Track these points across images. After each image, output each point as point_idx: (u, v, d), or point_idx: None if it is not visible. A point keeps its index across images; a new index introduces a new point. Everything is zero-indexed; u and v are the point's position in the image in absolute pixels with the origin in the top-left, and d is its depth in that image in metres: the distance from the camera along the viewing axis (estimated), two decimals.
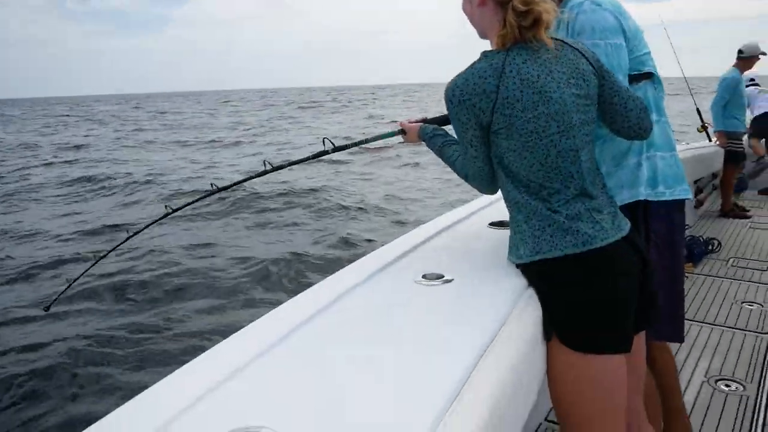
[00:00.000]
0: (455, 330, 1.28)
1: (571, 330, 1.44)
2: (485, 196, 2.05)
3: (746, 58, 5.60)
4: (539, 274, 1.47)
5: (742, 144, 5.81)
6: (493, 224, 2.02)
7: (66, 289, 2.51)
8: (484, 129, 1.44)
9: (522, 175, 1.45)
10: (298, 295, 1.49)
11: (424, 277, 1.53)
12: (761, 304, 3.67)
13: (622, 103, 1.58)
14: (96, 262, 2.56)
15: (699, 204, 5.96)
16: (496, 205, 2.19)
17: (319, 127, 30.46)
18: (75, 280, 2.49)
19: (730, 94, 5.56)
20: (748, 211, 5.93)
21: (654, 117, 1.92)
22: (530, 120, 1.39)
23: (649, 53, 1.94)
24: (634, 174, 1.92)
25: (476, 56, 1.47)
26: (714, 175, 6.24)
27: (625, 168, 1.93)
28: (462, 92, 1.41)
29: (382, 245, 1.85)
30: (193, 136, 28.30)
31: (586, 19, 1.79)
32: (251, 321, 1.36)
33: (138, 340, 5.38)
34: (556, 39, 1.49)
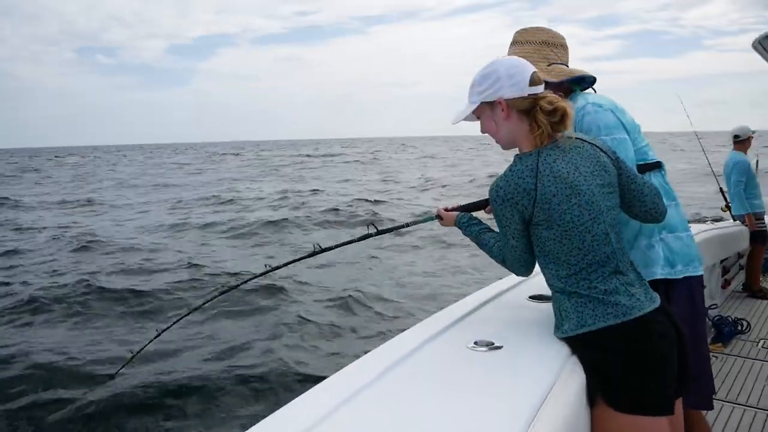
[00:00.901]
0: (507, 394, 1.41)
1: (619, 393, 1.58)
2: None
3: (742, 141, 5.89)
4: (585, 344, 1.63)
5: (764, 223, 5.89)
6: (533, 297, 2.16)
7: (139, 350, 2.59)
8: (525, 222, 1.66)
9: (563, 260, 1.64)
10: (360, 359, 1.63)
11: (475, 343, 1.67)
12: None
13: (638, 189, 1.80)
14: (159, 335, 2.63)
15: (726, 284, 5.97)
16: (533, 280, 2.33)
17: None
18: (144, 347, 2.59)
19: (746, 176, 5.75)
20: None
21: (668, 201, 2.11)
22: (566, 211, 1.60)
23: (647, 145, 2.17)
24: (645, 255, 2.09)
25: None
26: (740, 255, 6.28)
27: (636, 249, 2.11)
28: (505, 192, 1.63)
29: (433, 314, 2.00)
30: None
31: (591, 119, 2.04)
32: (316, 383, 1.50)
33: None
34: (576, 137, 1.72)
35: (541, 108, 1.65)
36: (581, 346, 1.64)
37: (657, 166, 2.16)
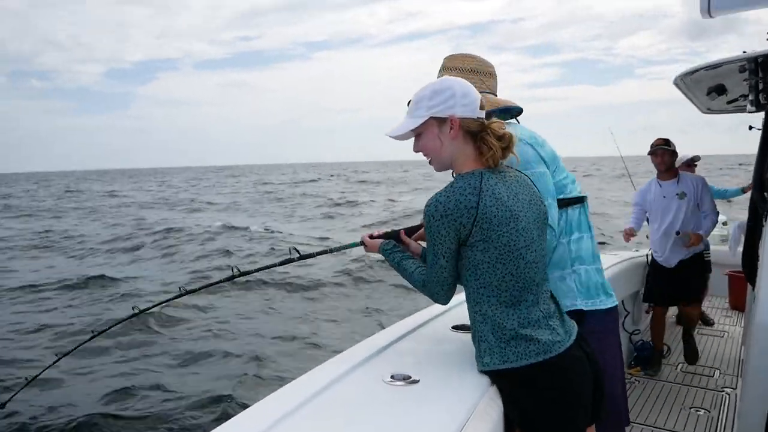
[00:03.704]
0: (421, 429, 1.38)
1: (534, 426, 1.60)
2: None
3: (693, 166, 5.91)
4: (507, 379, 1.63)
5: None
6: (456, 327, 2.15)
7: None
8: (459, 243, 1.62)
9: (494, 285, 1.62)
10: (271, 395, 1.56)
11: (392, 377, 1.64)
12: (708, 410, 3.81)
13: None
14: (58, 360, 2.52)
15: (649, 310, 6.20)
16: (456, 310, 2.33)
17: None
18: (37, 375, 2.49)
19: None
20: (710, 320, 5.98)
21: (579, 235, 2.15)
22: (504, 234, 1.58)
23: (567, 177, 2.19)
24: (557, 287, 2.11)
25: None
26: None
27: (549, 281, 2.13)
28: (445, 208, 1.58)
29: (351, 346, 1.95)
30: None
31: None
32: (222, 420, 1.44)
33: None
34: (509, 167, 1.73)
35: (493, 131, 1.65)
36: (502, 379, 1.64)
37: (577, 201, 2.18)
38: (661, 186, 4.66)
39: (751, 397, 3.03)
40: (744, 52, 2.79)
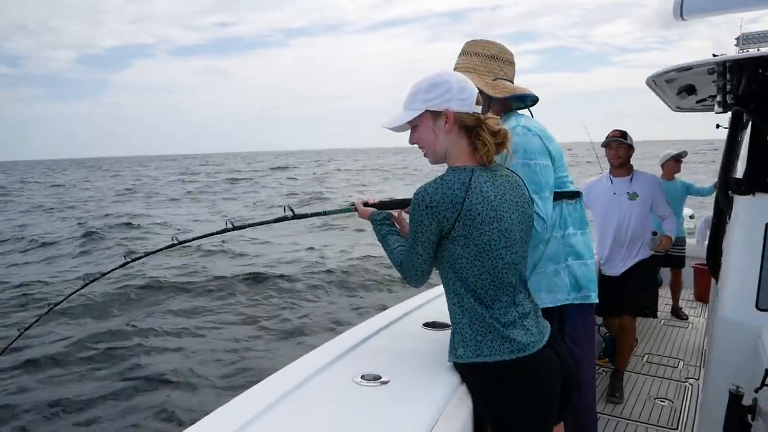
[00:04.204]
0: (391, 430, 1.40)
1: (504, 424, 1.64)
2: (420, 297, 2.21)
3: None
4: (478, 374, 1.66)
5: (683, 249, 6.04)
6: (426, 325, 2.17)
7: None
8: (439, 235, 1.63)
9: (471, 281, 1.64)
10: (240, 396, 1.57)
11: (362, 377, 1.65)
12: (672, 401, 3.93)
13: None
14: (49, 311, 2.57)
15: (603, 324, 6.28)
16: (428, 306, 2.35)
17: None
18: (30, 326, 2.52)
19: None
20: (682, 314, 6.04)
21: (574, 230, 2.19)
22: (485, 233, 1.60)
23: (567, 175, 2.23)
24: (551, 280, 2.15)
25: None
26: None
27: (543, 274, 2.17)
28: (432, 199, 1.59)
29: (322, 344, 1.96)
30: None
31: (519, 141, 2.06)
32: (192, 422, 1.44)
33: None
34: (502, 165, 1.75)
35: (487, 126, 1.66)
36: (473, 374, 1.67)
37: (575, 195, 2.23)
38: (612, 182, 4.17)
39: (712, 388, 3.13)
40: (714, 55, 2.85)
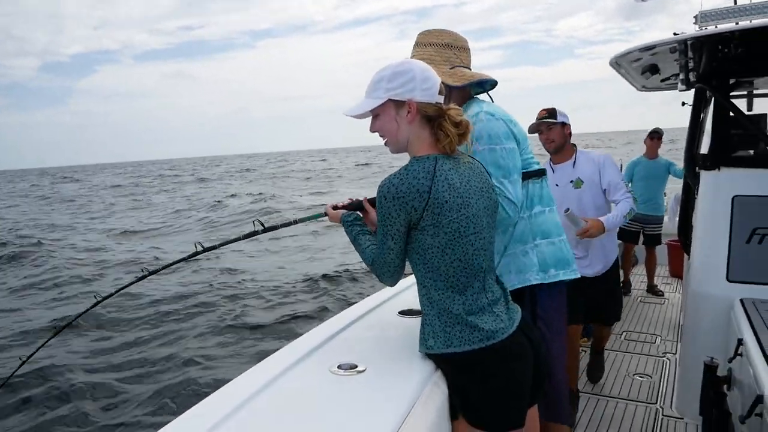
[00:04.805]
0: (369, 419, 1.42)
1: (476, 411, 1.64)
2: (396, 286, 2.21)
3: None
4: (450, 364, 1.67)
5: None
6: (402, 313, 2.19)
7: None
8: (408, 226, 1.63)
9: (442, 270, 1.64)
10: (219, 390, 1.57)
11: (339, 367, 1.66)
12: (650, 376, 4.01)
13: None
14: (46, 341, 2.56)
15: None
16: (403, 295, 2.36)
17: None
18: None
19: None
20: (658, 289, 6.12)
21: (541, 208, 2.21)
22: (454, 220, 1.61)
23: (532, 156, 2.25)
24: (520, 261, 2.17)
25: None
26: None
27: (512, 256, 2.18)
28: (398, 190, 1.59)
29: (298, 336, 1.97)
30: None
31: (482, 127, 2.06)
32: (169, 419, 1.43)
33: None
34: (463, 153, 1.76)
35: (450, 117, 1.65)
36: (445, 364, 1.68)
37: (540, 173, 2.25)
38: (554, 171, 3.43)
39: (688, 361, 3.20)
40: (675, 34, 2.90)
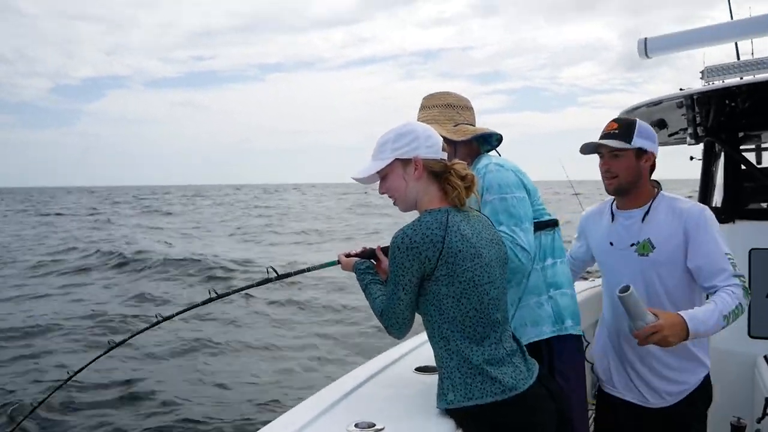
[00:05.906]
0: None
1: None
2: (410, 341, 2.17)
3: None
4: (470, 417, 1.62)
5: None
6: (418, 369, 2.13)
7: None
8: (422, 277, 1.63)
9: (459, 320, 1.63)
10: None
11: (356, 426, 1.60)
12: None
13: None
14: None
15: None
16: (419, 351, 2.31)
17: None
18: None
19: None
20: None
21: (552, 260, 2.19)
22: (468, 269, 1.61)
23: (544, 207, 2.27)
24: (535, 313, 2.14)
25: None
26: None
27: (526, 308, 2.15)
28: (411, 240, 1.61)
29: (313, 394, 1.90)
30: None
31: (492, 177, 2.10)
32: None
33: None
34: (471, 208, 1.79)
35: (455, 171, 1.71)
36: (467, 418, 1.63)
37: (552, 224, 2.24)
38: (613, 219, 2.25)
39: (713, 421, 3.08)
40: (681, 89, 2.94)
